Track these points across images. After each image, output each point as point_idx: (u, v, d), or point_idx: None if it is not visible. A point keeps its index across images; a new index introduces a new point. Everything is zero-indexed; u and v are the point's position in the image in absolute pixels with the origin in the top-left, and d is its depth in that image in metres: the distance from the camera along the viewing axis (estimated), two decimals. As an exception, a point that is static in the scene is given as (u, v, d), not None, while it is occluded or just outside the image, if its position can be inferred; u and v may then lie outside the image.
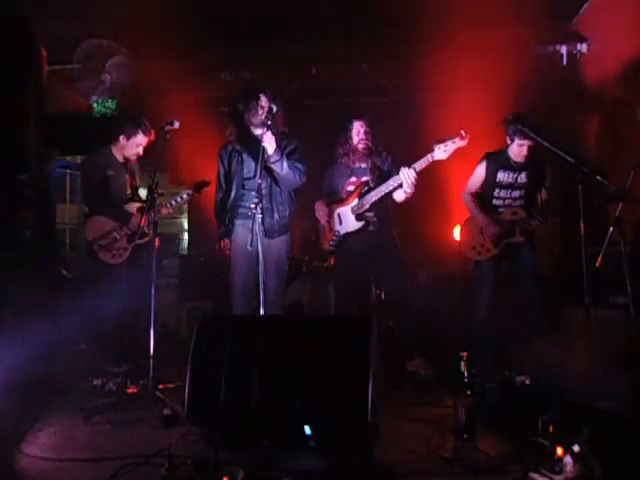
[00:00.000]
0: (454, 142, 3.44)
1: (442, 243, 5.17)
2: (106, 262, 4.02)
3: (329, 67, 5.87)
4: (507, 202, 3.82)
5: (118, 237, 4.03)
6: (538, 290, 3.73)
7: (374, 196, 3.73)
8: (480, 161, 3.92)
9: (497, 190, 3.84)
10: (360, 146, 3.89)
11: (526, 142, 3.67)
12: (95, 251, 4.01)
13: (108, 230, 4.03)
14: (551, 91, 5.37)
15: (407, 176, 3.59)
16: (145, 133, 4.11)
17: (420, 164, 3.58)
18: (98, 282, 3.98)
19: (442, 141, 3.46)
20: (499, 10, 4.74)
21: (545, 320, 3.74)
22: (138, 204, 4.14)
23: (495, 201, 3.85)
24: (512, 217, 3.76)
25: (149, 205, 3.49)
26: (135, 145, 4.13)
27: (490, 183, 3.86)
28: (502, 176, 3.82)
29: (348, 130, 3.94)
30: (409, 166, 3.60)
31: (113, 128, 4.26)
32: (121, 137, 4.14)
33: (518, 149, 3.73)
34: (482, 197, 3.92)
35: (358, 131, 3.90)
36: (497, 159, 3.85)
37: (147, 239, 4.05)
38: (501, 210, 3.82)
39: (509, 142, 3.78)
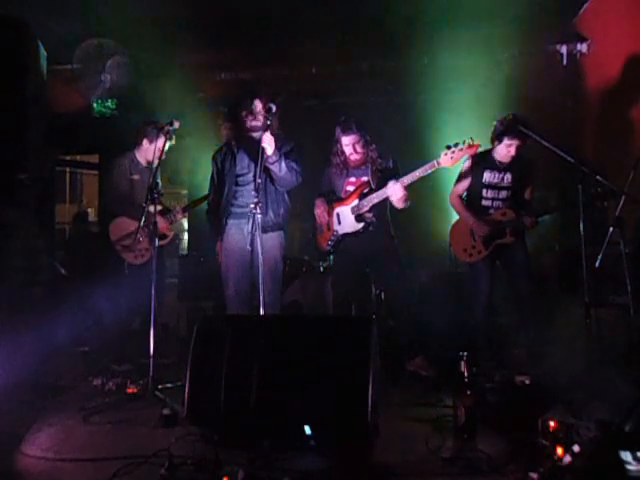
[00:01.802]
0: (461, 150, 3.43)
1: (442, 243, 5.17)
2: (130, 262, 4.08)
3: (329, 67, 5.87)
4: (495, 203, 3.83)
5: (141, 238, 4.05)
6: (531, 290, 3.73)
7: (375, 198, 3.70)
8: (465, 162, 3.91)
9: (484, 190, 3.85)
10: (352, 158, 3.83)
11: (515, 142, 3.67)
12: (118, 251, 4.06)
13: (131, 231, 4.06)
14: (551, 91, 5.38)
15: (394, 191, 3.60)
16: (167, 137, 4.12)
17: (411, 177, 3.57)
18: (121, 282, 4.01)
19: (449, 147, 3.44)
20: (499, 10, 4.75)
21: (542, 319, 3.75)
22: (159, 206, 4.17)
23: (484, 202, 3.86)
24: (502, 218, 3.77)
25: (150, 205, 3.49)
26: (158, 149, 4.14)
27: (477, 183, 3.87)
28: (488, 176, 3.84)
29: (337, 142, 3.84)
30: (397, 179, 3.60)
31: (135, 131, 4.31)
32: (144, 141, 4.20)
33: (506, 149, 3.72)
34: (471, 198, 3.95)
35: (347, 145, 3.79)
36: (482, 159, 3.86)
37: (167, 241, 4.18)
38: (490, 211, 3.83)
39: (496, 144, 3.77)
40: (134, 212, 4.10)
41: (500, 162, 3.82)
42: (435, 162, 3.49)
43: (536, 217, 3.70)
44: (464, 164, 3.93)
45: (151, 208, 3.49)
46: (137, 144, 4.25)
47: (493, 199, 3.84)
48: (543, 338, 3.71)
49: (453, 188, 4.01)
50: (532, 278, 3.79)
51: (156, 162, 4.25)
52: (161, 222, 4.06)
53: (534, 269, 3.97)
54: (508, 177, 3.82)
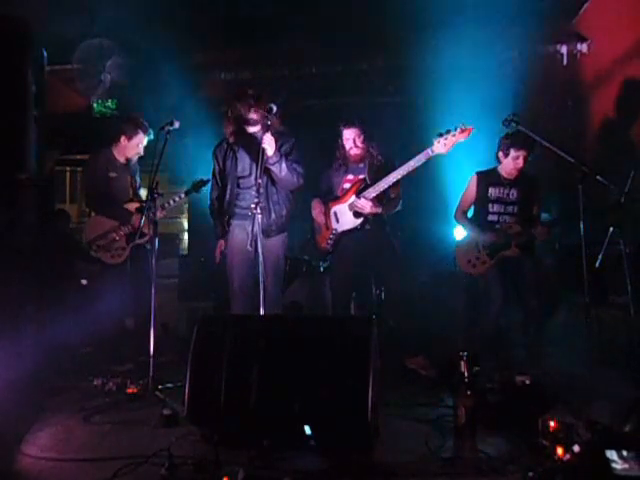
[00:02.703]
0: (454, 135, 3.44)
1: (442, 243, 5.17)
2: (105, 262, 4.02)
3: (329, 67, 5.87)
4: (502, 218, 3.83)
5: (117, 237, 4.04)
6: (539, 305, 3.68)
7: (372, 192, 3.73)
8: (470, 179, 3.96)
9: (491, 205, 3.86)
10: (352, 153, 3.88)
11: (522, 152, 3.69)
12: (94, 251, 4.02)
13: (107, 230, 4.04)
14: (551, 91, 5.38)
15: (362, 206, 3.70)
16: (145, 132, 4.11)
17: (377, 188, 3.65)
18: (97, 282, 3.99)
19: (441, 135, 3.46)
20: (499, 10, 4.75)
21: (542, 320, 3.73)
22: (137, 204, 4.14)
23: (490, 217, 3.86)
24: (508, 231, 3.77)
25: (148, 205, 3.48)
26: (136, 145, 4.14)
27: (483, 199, 3.89)
28: (493, 191, 3.86)
29: (339, 136, 3.91)
30: (360, 195, 3.70)
31: (113, 129, 4.26)
32: (122, 137, 4.14)
33: (513, 162, 3.74)
34: (477, 214, 3.96)
35: (347, 139, 3.86)
36: (487, 177, 3.89)
37: (146, 239, 4.04)
38: (497, 227, 3.82)
39: (503, 158, 3.79)
40: (110, 210, 4.10)
41: (505, 178, 3.83)
42: (429, 150, 3.50)
43: (541, 228, 3.67)
44: (468, 181, 3.96)
45: (150, 208, 3.47)
46: (114, 141, 4.17)
47: (500, 214, 3.84)
48: (543, 338, 3.70)
49: (457, 205, 4.04)
50: (541, 292, 3.72)
51: (134, 159, 4.23)
52: (138, 219, 3.95)
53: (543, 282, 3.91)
54: (514, 192, 3.82)
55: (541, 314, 3.71)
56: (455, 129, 3.44)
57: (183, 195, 4.23)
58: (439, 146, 3.46)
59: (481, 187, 3.89)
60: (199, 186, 4.14)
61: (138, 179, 4.36)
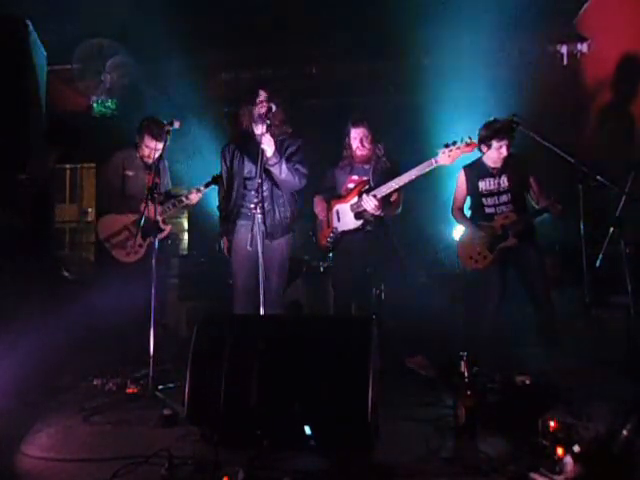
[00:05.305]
0: (459, 148, 3.46)
1: (442, 243, 5.17)
2: (121, 260, 3.98)
3: (329, 67, 5.87)
4: (499, 209, 3.83)
5: (132, 232, 3.98)
6: (547, 289, 3.68)
7: (379, 193, 3.72)
8: (458, 175, 3.96)
9: (484, 199, 3.87)
10: (358, 153, 3.88)
11: (504, 142, 3.69)
12: (108, 250, 3.98)
13: (121, 227, 4.01)
14: (551, 91, 5.38)
15: (367, 203, 3.68)
16: (153, 136, 4.06)
17: (386, 189, 3.64)
18: (112, 281, 3.89)
19: (447, 146, 3.46)
20: (499, 10, 4.75)
21: (555, 320, 3.72)
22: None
23: (487, 209, 3.87)
24: (504, 222, 3.77)
25: (147, 206, 3.46)
26: (145, 146, 4.14)
27: (475, 194, 3.89)
28: (483, 185, 3.85)
29: (347, 135, 3.92)
30: (369, 193, 3.69)
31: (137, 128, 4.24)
32: (137, 137, 4.16)
33: (497, 152, 3.73)
34: (474, 209, 3.96)
35: (355, 138, 3.87)
36: (474, 169, 3.88)
37: (165, 234, 4.01)
38: (495, 218, 3.82)
39: (485, 149, 3.78)
40: (124, 208, 4.07)
41: (493, 167, 3.82)
42: (433, 160, 3.51)
43: (558, 204, 3.62)
44: (457, 177, 3.96)
45: (150, 207, 3.45)
46: (139, 140, 4.18)
47: (495, 205, 3.84)
48: (550, 337, 3.69)
49: (452, 202, 4.04)
50: (547, 278, 3.73)
51: (146, 160, 4.22)
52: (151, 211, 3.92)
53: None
54: (504, 180, 3.81)
55: (550, 301, 3.68)
56: (461, 141, 3.46)
57: (195, 192, 4.09)
58: (444, 157, 3.48)
59: (470, 181, 3.89)
60: (217, 180, 3.98)
61: (165, 179, 4.31)
